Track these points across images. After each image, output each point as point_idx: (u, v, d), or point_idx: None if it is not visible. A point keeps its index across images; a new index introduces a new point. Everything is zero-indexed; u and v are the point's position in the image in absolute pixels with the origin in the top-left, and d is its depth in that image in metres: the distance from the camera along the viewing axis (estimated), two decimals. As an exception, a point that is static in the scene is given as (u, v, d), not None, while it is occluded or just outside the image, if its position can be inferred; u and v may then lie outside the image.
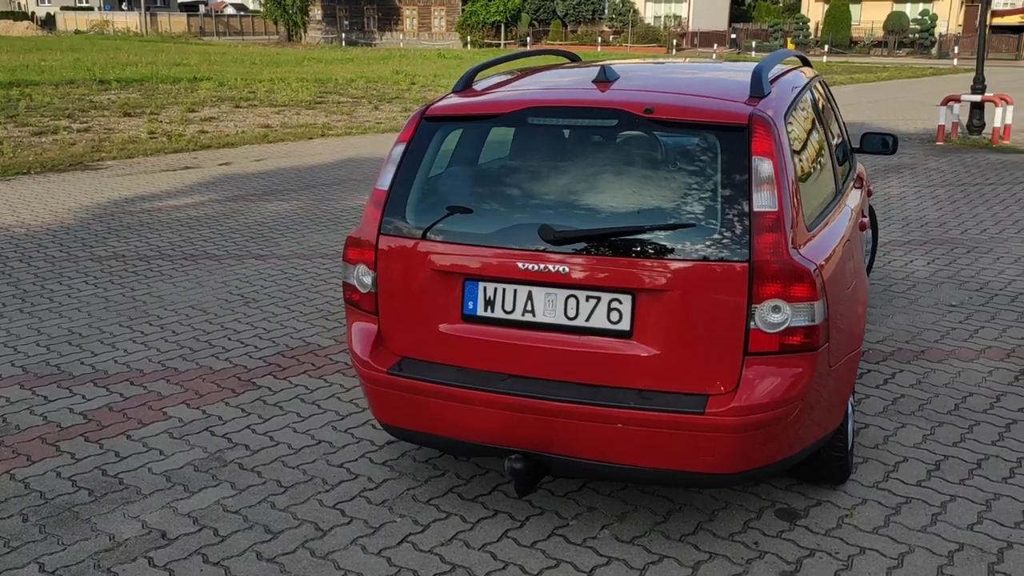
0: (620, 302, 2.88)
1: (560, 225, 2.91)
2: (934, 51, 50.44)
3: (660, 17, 59.62)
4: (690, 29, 57.50)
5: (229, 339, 5.29)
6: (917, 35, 51.87)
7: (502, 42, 56.89)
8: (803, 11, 56.32)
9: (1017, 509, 3.40)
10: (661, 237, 2.84)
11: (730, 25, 58.65)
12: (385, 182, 3.24)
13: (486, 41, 57.01)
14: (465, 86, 3.51)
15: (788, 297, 2.76)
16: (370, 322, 3.27)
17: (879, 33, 53.53)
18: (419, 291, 3.14)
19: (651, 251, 2.84)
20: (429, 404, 3.09)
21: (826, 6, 53.87)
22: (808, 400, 2.88)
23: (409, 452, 3.86)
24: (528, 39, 55.93)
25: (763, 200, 2.80)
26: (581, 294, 2.92)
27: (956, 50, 43.33)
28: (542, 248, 2.92)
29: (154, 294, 6.15)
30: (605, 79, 3.32)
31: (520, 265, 2.95)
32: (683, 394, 2.85)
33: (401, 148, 3.27)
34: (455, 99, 3.39)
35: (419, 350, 3.17)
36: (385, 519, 3.35)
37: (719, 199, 2.84)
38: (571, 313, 2.94)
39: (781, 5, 65.42)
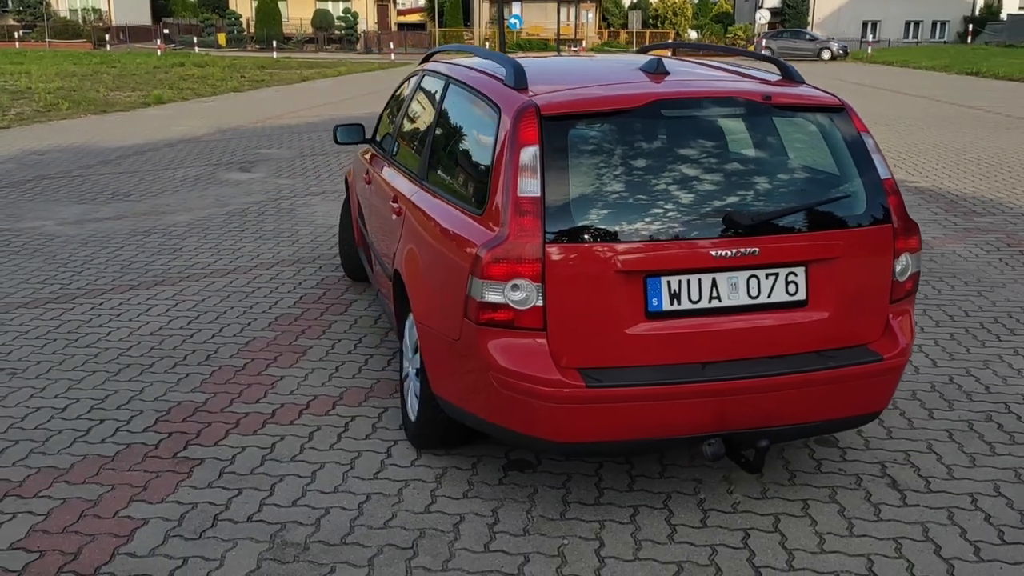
0: (795, 275, 3.15)
1: (743, 210, 3.06)
2: (359, 47, 54.22)
3: (77, 10, 54.56)
4: (115, 23, 53.69)
5: (63, 420, 4.13)
6: (343, 32, 55.24)
7: None
8: (232, 7, 56.26)
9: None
10: (828, 210, 3.17)
11: (159, 20, 56.04)
12: (532, 188, 3.01)
13: None
14: (522, 82, 3.37)
15: (910, 249, 3.31)
16: (532, 338, 3.02)
17: (309, 30, 55.86)
18: (597, 297, 3.01)
19: (820, 224, 3.15)
20: (631, 409, 3.01)
21: (255, 3, 54.53)
22: None
23: (480, 466, 3.58)
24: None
25: (883, 169, 3.29)
26: (761, 273, 3.11)
27: (392, 45, 47.36)
28: (730, 234, 3.04)
29: None
30: (664, 71, 3.49)
31: (713, 253, 3.03)
32: (850, 347, 3.23)
33: (533, 151, 3.05)
34: (555, 95, 3.24)
35: (598, 358, 3.04)
36: (559, 532, 3.15)
37: (856, 171, 3.25)
38: (753, 292, 3.12)
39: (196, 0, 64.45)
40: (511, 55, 4.20)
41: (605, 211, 3.05)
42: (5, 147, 13.08)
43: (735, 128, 3.36)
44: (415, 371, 3.78)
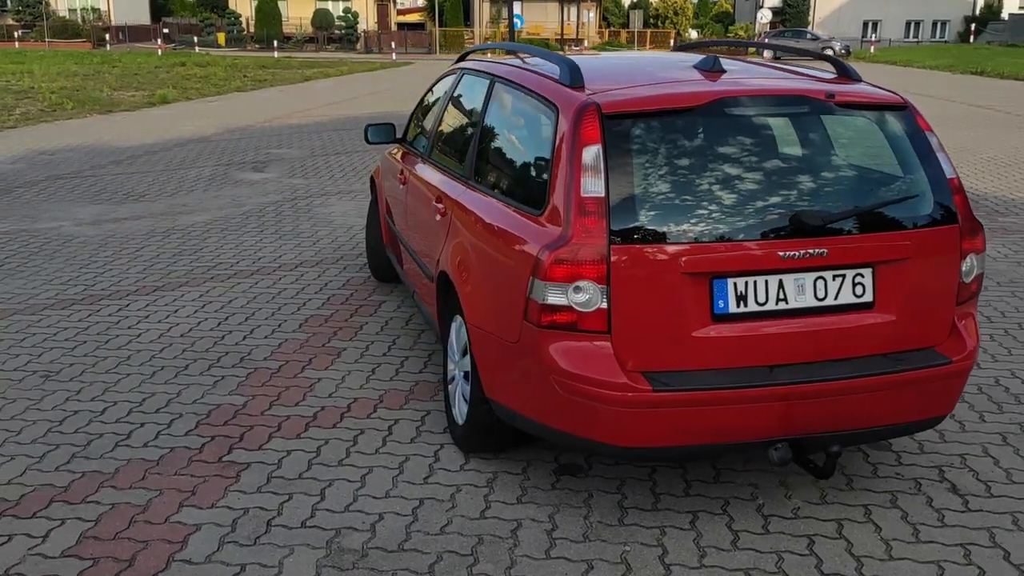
0: (862, 276, 3.09)
1: (811, 210, 3.00)
2: (359, 46, 54.03)
3: (76, 10, 54.41)
4: (114, 23, 53.54)
5: (103, 423, 4.06)
6: (343, 31, 55.07)
7: None
8: (232, 6, 56.09)
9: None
10: (894, 210, 3.12)
11: (159, 20, 55.89)
12: (596, 188, 2.95)
13: None
14: (578, 81, 3.31)
15: (976, 250, 3.25)
16: (596, 341, 2.96)
17: (308, 29, 55.71)
18: (662, 299, 2.95)
19: (887, 224, 3.10)
20: (698, 414, 2.95)
21: (254, 2, 54.37)
22: None
23: (531, 471, 3.52)
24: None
25: (948, 168, 3.23)
26: (828, 274, 3.05)
27: (393, 45, 47.22)
28: (797, 234, 2.98)
29: None
30: (720, 69, 3.44)
31: (781, 254, 2.97)
32: (918, 350, 3.17)
33: (596, 150, 2.99)
34: (615, 94, 3.18)
35: (664, 361, 2.98)
36: (616, 539, 3.10)
37: (922, 170, 3.19)
38: (820, 294, 3.06)
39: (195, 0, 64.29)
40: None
41: (669, 211, 2.99)
42: (14, 147, 13.01)
43: (797, 127, 3.30)
44: (463, 374, 3.72)
